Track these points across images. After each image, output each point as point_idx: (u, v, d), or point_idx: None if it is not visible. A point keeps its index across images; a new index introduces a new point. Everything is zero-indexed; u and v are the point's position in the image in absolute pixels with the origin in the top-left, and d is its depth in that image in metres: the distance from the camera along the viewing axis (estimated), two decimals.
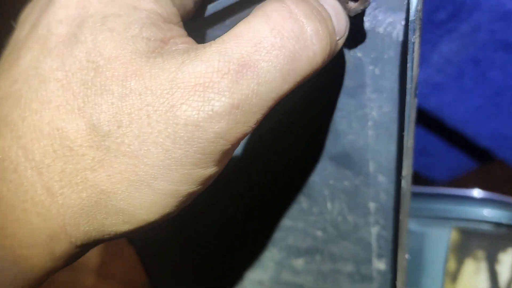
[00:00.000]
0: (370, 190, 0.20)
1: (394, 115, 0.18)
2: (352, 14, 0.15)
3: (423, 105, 0.53)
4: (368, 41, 0.17)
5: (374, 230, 0.21)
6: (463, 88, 0.49)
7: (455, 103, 0.51)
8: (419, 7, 0.14)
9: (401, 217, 0.18)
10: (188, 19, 0.17)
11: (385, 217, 0.20)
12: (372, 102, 0.18)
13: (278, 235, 0.23)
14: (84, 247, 0.14)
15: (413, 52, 0.15)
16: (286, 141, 0.20)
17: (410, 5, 0.14)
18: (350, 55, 0.18)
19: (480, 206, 0.41)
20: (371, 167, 0.19)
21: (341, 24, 0.15)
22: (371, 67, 0.17)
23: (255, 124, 0.14)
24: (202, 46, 0.13)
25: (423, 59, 0.44)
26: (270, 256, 0.23)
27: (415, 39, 0.15)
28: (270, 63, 0.13)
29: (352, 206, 0.21)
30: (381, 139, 0.17)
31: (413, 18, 0.14)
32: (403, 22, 0.17)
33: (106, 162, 0.13)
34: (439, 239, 0.41)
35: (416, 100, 0.17)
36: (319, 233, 0.22)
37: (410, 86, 0.16)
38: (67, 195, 0.13)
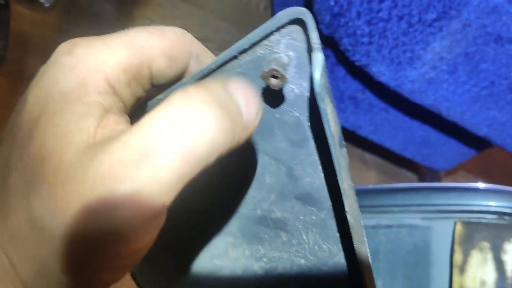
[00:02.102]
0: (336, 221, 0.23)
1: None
2: (276, 89, 0.17)
3: (420, 100, 0.54)
4: (300, 103, 0.19)
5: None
6: (457, 82, 0.50)
7: (451, 96, 0.52)
8: (323, 81, 0.16)
9: (355, 244, 0.20)
10: (141, 102, 0.19)
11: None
12: (317, 150, 0.21)
13: (267, 265, 0.25)
14: None
15: (326, 115, 0.17)
16: (255, 187, 0.24)
17: (314, 80, 0.16)
18: (290, 116, 0.20)
19: (483, 198, 0.42)
20: (331, 202, 0.22)
21: (250, 110, 0.16)
22: (308, 123, 0.20)
23: (163, 204, 0.15)
24: (113, 139, 0.14)
25: (417, 58, 0.45)
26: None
27: (325, 105, 0.17)
28: (168, 151, 0.14)
29: (324, 236, 0.23)
30: (333, 178, 0.19)
31: (319, 90, 0.16)
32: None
33: (45, 239, 0.15)
34: (444, 233, 0.42)
35: (344, 150, 0.19)
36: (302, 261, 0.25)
37: (331, 141, 0.18)
38: (24, 267, 0.15)
